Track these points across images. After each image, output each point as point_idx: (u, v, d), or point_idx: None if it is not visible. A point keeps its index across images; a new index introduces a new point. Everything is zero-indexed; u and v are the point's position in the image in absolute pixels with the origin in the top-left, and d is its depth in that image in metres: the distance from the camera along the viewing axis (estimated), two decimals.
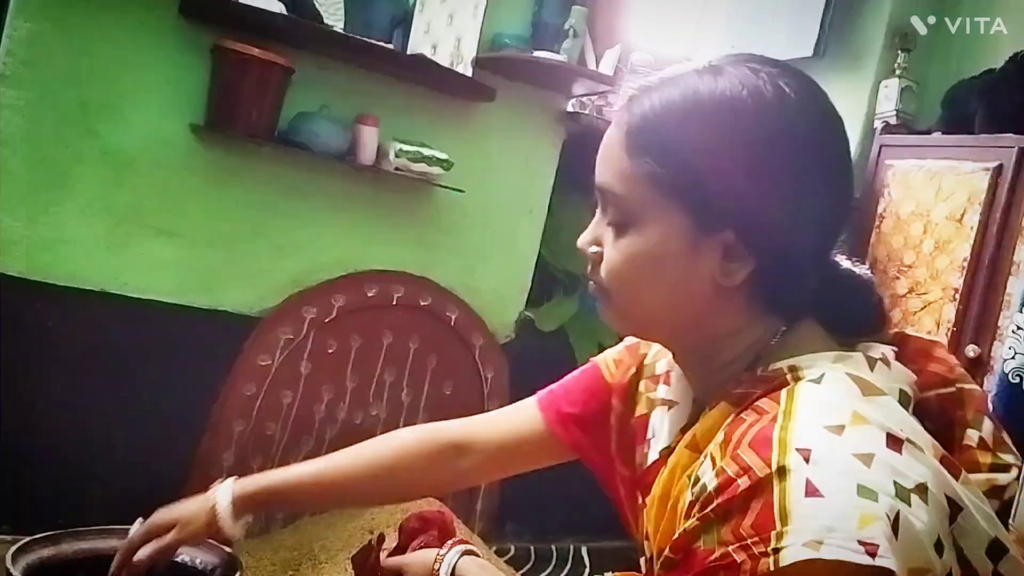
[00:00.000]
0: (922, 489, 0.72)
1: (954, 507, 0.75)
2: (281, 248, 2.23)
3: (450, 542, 1.12)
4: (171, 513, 1.20)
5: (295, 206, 2.23)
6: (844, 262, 0.92)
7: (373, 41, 2.18)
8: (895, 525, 0.69)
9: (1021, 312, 2.05)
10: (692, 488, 0.78)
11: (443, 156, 2.25)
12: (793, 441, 0.73)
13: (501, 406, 2.55)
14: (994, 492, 0.81)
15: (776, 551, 0.68)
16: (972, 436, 0.85)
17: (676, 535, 0.78)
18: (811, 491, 0.70)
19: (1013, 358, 2.04)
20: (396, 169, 2.21)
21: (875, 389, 0.79)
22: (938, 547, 0.72)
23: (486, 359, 2.50)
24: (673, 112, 0.82)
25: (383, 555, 1.20)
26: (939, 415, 0.86)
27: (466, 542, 1.11)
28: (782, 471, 0.71)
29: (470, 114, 2.43)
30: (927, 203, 2.61)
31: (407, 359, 2.40)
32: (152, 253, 2.08)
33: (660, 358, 1.04)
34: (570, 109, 2.58)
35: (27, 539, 1.17)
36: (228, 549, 1.44)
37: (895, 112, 2.87)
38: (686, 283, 0.84)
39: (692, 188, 0.81)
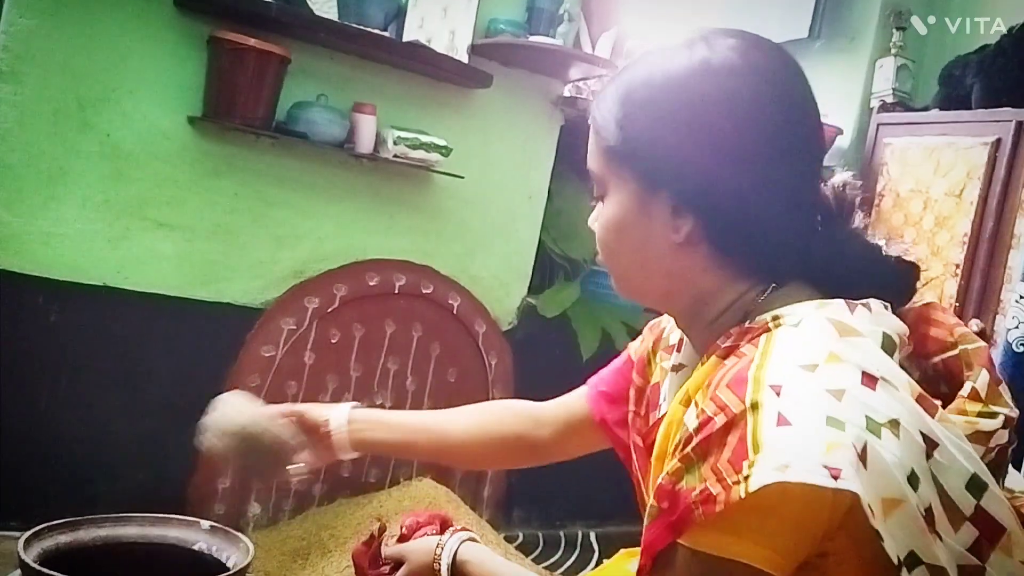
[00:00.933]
0: (894, 424, 0.76)
1: (930, 443, 0.77)
2: (281, 239, 2.23)
3: (452, 529, 1.15)
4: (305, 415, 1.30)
5: (294, 196, 2.23)
6: (856, 230, 0.94)
7: (369, 29, 2.18)
8: (863, 455, 0.72)
9: (1023, 283, 2.06)
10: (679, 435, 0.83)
11: (441, 143, 2.25)
12: (767, 379, 0.77)
13: (505, 392, 2.58)
14: (978, 438, 0.82)
15: (746, 478, 0.72)
16: (966, 387, 0.86)
17: (660, 479, 0.81)
18: (781, 421, 0.74)
19: (1017, 327, 2.05)
20: (395, 157, 2.20)
21: (853, 331, 0.82)
22: (912, 480, 0.75)
23: (489, 346, 2.50)
24: (620, 91, 0.92)
25: (390, 543, 1.21)
26: (948, 378, 0.89)
27: (468, 530, 1.14)
28: (755, 406, 0.75)
29: (467, 100, 2.43)
30: (926, 180, 2.62)
31: (410, 347, 2.40)
32: (152, 246, 2.07)
33: (674, 329, 1.07)
34: (567, 94, 2.57)
35: (42, 526, 1.17)
36: (242, 536, 1.44)
37: (892, 90, 2.88)
38: (647, 243, 0.92)
39: (633, 155, 0.90)
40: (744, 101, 0.87)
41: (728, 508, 0.73)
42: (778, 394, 0.76)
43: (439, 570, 1.10)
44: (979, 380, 0.86)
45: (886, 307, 0.88)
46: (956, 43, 2.89)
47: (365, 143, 2.19)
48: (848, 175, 0.95)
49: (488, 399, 2.51)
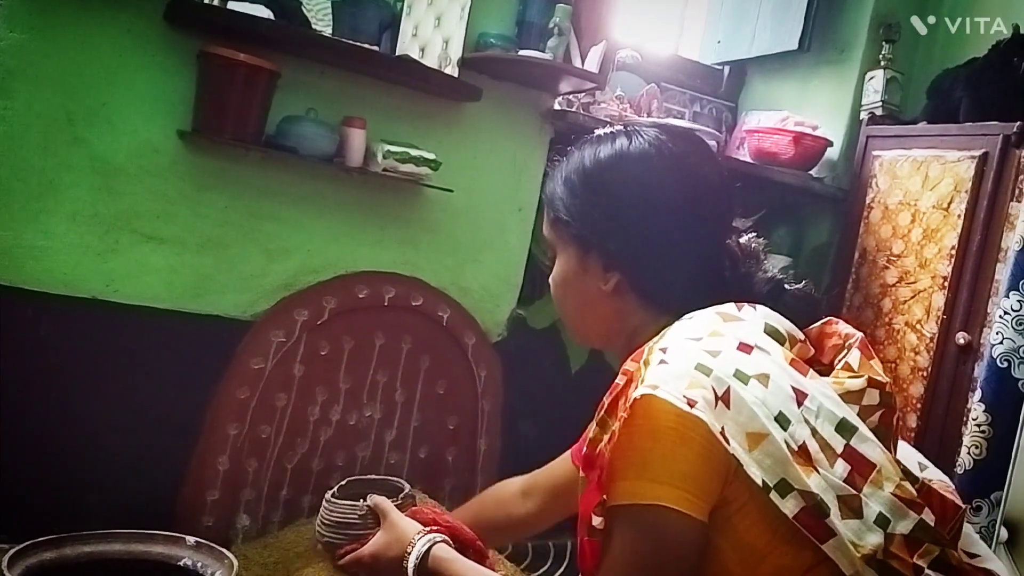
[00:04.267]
0: (764, 376, 0.95)
1: (799, 394, 0.96)
2: (271, 251, 2.24)
3: (426, 529, 1.18)
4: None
5: (284, 209, 2.24)
6: (763, 273, 1.18)
7: (358, 44, 2.19)
8: (725, 396, 0.93)
9: (1008, 297, 2.07)
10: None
11: (431, 156, 2.26)
12: (659, 346, 1.00)
13: (494, 404, 2.59)
14: (850, 397, 0.99)
15: (628, 403, 0.94)
16: (840, 363, 1.06)
17: (584, 450, 1.02)
18: (662, 363, 0.96)
19: (1001, 343, 2.07)
20: (384, 170, 2.21)
21: (735, 318, 1.04)
22: (781, 420, 0.93)
23: (479, 358, 2.51)
24: (563, 174, 1.19)
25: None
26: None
27: (442, 532, 1.19)
28: (647, 362, 0.98)
29: (457, 114, 2.44)
30: (914, 192, 2.63)
31: (400, 359, 2.40)
32: (142, 259, 2.08)
33: None
34: (557, 107, 2.58)
35: (27, 543, 1.18)
36: (226, 552, 1.45)
37: (881, 103, 2.89)
38: (585, 292, 1.17)
39: (571, 225, 1.16)
40: (655, 182, 1.13)
41: (621, 437, 0.94)
42: (664, 352, 0.98)
43: (407, 567, 1.15)
44: (850, 357, 1.04)
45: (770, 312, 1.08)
46: (945, 55, 2.90)
47: (355, 157, 2.20)
48: (752, 235, 1.22)
49: (477, 410, 2.54)
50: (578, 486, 1.05)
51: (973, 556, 1.02)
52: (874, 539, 0.91)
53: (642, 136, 1.15)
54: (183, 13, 2.00)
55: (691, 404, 0.91)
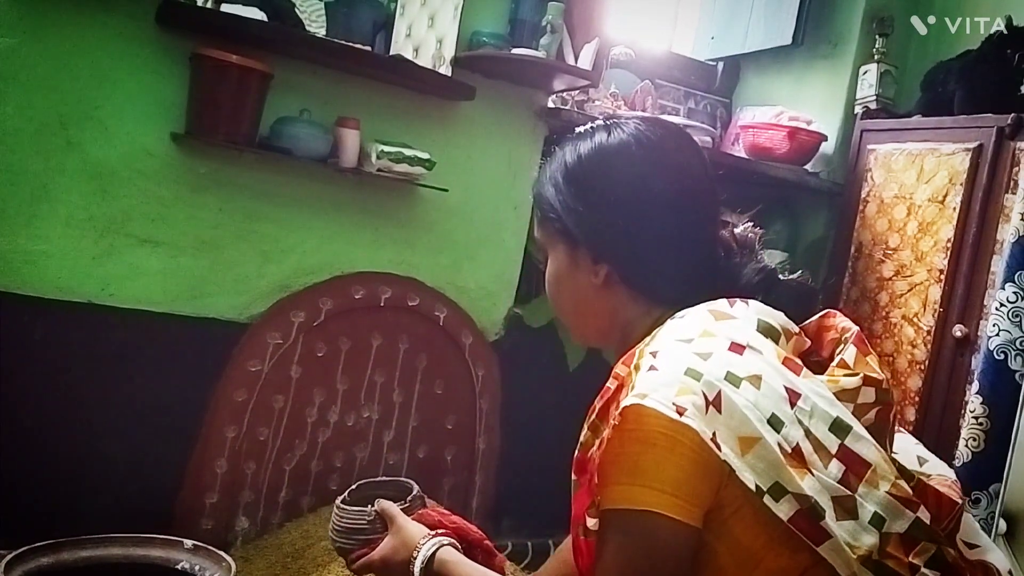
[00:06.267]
0: (756, 378, 0.94)
1: (793, 394, 0.95)
2: (267, 253, 2.23)
3: (432, 532, 1.19)
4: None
5: (279, 211, 2.23)
6: (757, 263, 1.16)
7: (352, 44, 2.19)
8: (716, 401, 0.92)
9: (1003, 289, 2.07)
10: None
11: (425, 156, 2.26)
12: (650, 349, 0.99)
13: (492, 403, 2.59)
14: (846, 395, 0.98)
15: (618, 410, 0.93)
16: (836, 360, 1.04)
17: (576, 454, 1.03)
18: (651, 369, 0.95)
19: (997, 335, 2.07)
20: (378, 170, 2.21)
21: (727, 316, 1.03)
22: (774, 422, 0.92)
23: (476, 357, 2.51)
24: (548, 172, 1.19)
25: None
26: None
27: (449, 535, 1.19)
28: (637, 367, 0.98)
29: (451, 113, 2.43)
30: (910, 186, 2.63)
31: (397, 359, 2.40)
32: (138, 262, 2.08)
33: None
34: (551, 105, 2.58)
35: (25, 548, 1.18)
36: (224, 555, 1.45)
37: (875, 97, 2.89)
38: (578, 288, 1.16)
39: (559, 221, 1.16)
40: (636, 173, 1.12)
41: (612, 442, 0.92)
42: (654, 355, 0.97)
43: (413, 571, 1.16)
44: (846, 353, 1.03)
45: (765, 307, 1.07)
46: (939, 48, 2.90)
47: (349, 157, 2.20)
48: (748, 224, 1.20)
49: (475, 410, 2.54)
50: (572, 488, 1.06)
51: (973, 547, 1.00)
52: (869, 540, 0.91)
53: (622, 129, 1.15)
54: (175, 15, 1.99)
55: (680, 412, 0.90)
